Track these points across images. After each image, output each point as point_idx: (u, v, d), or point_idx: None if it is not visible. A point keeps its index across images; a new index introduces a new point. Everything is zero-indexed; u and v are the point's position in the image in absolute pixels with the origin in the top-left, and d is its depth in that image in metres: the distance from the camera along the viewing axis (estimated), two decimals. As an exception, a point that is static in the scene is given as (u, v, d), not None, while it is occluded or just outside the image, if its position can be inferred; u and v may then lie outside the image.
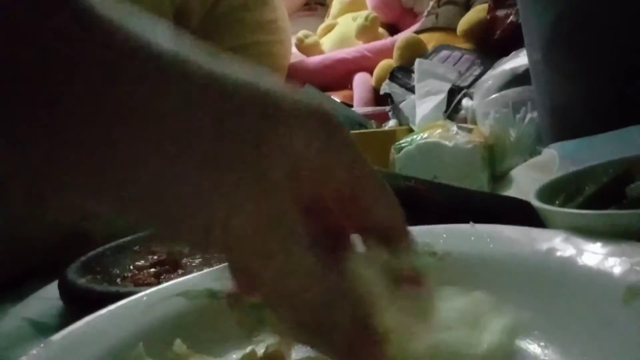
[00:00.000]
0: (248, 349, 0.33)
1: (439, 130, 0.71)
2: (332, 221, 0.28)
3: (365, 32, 1.40)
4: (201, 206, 0.23)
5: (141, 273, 0.52)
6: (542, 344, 0.31)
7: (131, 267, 0.54)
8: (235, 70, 0.24)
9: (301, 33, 1.47)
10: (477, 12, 1.09)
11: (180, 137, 0.22)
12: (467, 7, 1.16)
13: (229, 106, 0.23)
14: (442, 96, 0.97)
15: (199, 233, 0.23)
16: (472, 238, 0.38)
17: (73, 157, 0.22)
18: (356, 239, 0.28)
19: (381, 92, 1.14)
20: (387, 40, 1.36)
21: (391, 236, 0.27)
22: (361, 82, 1.28)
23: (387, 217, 0.27)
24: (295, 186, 0.24)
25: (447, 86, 0.98)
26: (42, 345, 0.33)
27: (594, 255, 0.33)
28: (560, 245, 0.35)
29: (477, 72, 1.00)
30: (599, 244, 0.33)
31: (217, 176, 0.23)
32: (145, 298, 0.38)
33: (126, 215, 0.24)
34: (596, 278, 0.31)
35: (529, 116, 0.73)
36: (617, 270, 0.31)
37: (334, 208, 0.27)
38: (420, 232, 0.30)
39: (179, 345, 0.33)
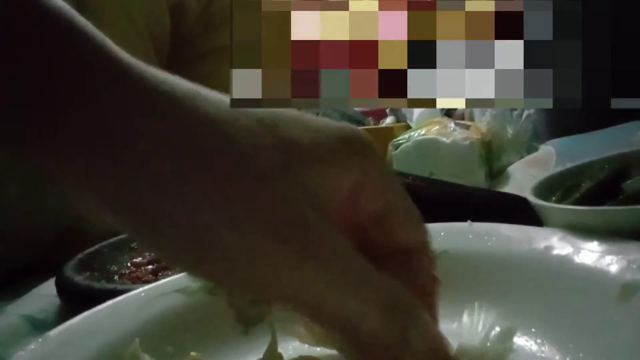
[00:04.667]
0: None
1: (436, 127, 0.71)
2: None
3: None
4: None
5: (139, 270, 0.52)
6: (538, 341, 0.32)
7: (129, 264, 0.54)
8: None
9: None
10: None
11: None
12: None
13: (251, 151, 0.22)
14: (440, 93, 0.96)
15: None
16: (470, 236, 0.39)
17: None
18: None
19: (379, 89, 1.14)
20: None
21: (413, 257, 0.27)
22: (359, 78, 1.27)
23: (412, 240, 0.27)
24: (331, 215, 0.23)
25: (445, 83, 0.98)
26: (39, 340, 0.33)
27: (591, 253, 0.33)
28: (558, 243, 0.35)
29: (474, 69, 1.00)
30: (595, 242, 0.33)
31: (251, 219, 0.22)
32: (143, 294, 0.38)
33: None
34: (593, 276, 0.32)
35: (526, 113, 0.74)
36: (613, 268, 0.31)
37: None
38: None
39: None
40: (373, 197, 0.25)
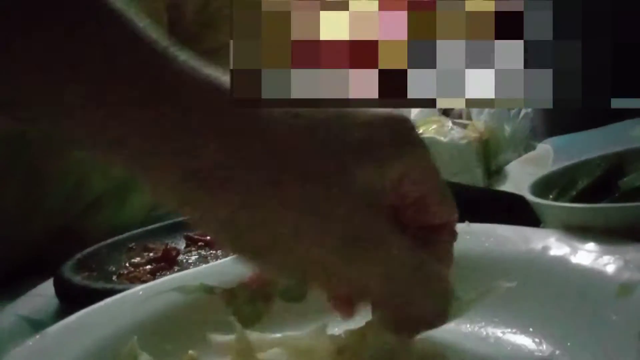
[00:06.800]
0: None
1: (434, 126, 0.72)
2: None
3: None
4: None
5: (137, 270, 0.52)
6: (536, 340, 0.32)
7: (127, 264, 0.54)
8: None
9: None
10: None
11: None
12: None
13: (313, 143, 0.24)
14: (437, 91, 0.96)
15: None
16: (467, 237, 0.38)
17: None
18: None
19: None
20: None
21: (438, 233, 0.29)
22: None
23: (443, 219, 0.29)
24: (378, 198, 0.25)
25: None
26: (37, 336, 0.33)
27: (588, 253, 0.33)
28: (555, 243, 0.35)
29: (471, 68, 1.00)
30: (592, 243, 0.34)
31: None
32: (141, 292, 0.38)
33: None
34: (590, 276, 0.32)
35: (523, 111, 0.74)
36: (610, 268, 0.31)
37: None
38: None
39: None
40: (417, 186, 0.27)
